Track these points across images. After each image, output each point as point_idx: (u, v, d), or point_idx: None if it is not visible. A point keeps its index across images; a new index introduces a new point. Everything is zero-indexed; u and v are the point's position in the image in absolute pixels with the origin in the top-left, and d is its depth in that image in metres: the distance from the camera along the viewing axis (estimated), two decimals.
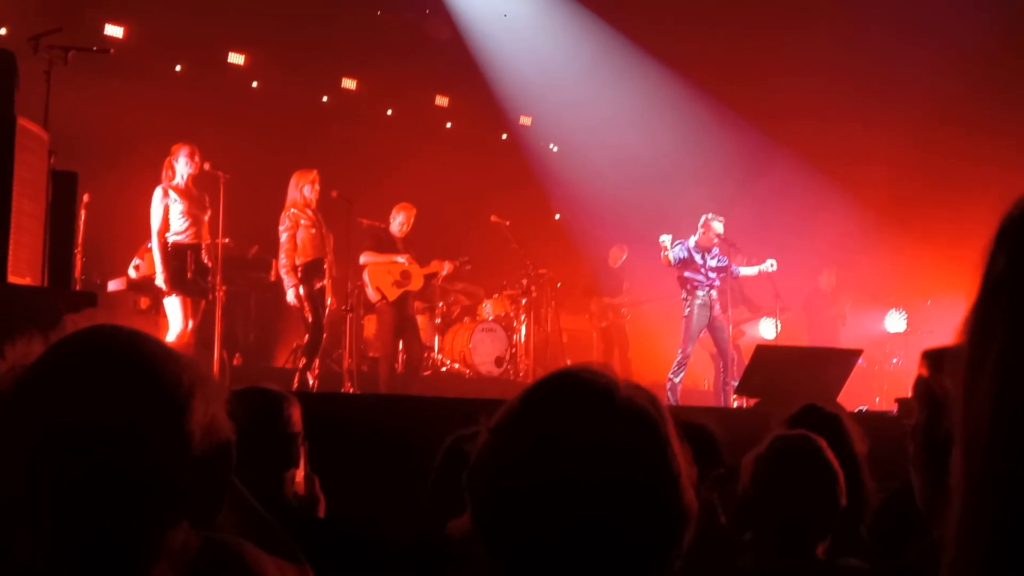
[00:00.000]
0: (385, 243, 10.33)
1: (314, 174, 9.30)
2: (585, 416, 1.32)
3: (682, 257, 10.25)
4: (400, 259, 10.19)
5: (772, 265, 10.54)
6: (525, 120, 15.03)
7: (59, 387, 1.30)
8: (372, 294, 10.22)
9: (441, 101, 14.57)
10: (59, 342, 1.35)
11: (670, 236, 10.23)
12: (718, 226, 10.35)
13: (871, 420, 7.09)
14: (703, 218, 10.43)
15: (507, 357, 11.78)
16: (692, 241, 10.37)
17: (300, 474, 3.21)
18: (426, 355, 11.38)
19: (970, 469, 0.77)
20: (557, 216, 15.29)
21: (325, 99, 13.82)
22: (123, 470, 1.29)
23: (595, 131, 14.39)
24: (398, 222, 10.39)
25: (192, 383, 1.35)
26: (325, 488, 3.35)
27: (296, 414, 3.25)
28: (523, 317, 12.12)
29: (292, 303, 9.23)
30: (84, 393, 1.30)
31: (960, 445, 0.78)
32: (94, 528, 1.29)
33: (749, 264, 10.94)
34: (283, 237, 9.17)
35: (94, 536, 1.29)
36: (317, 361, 9.41)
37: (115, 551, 1.30)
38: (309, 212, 9.23)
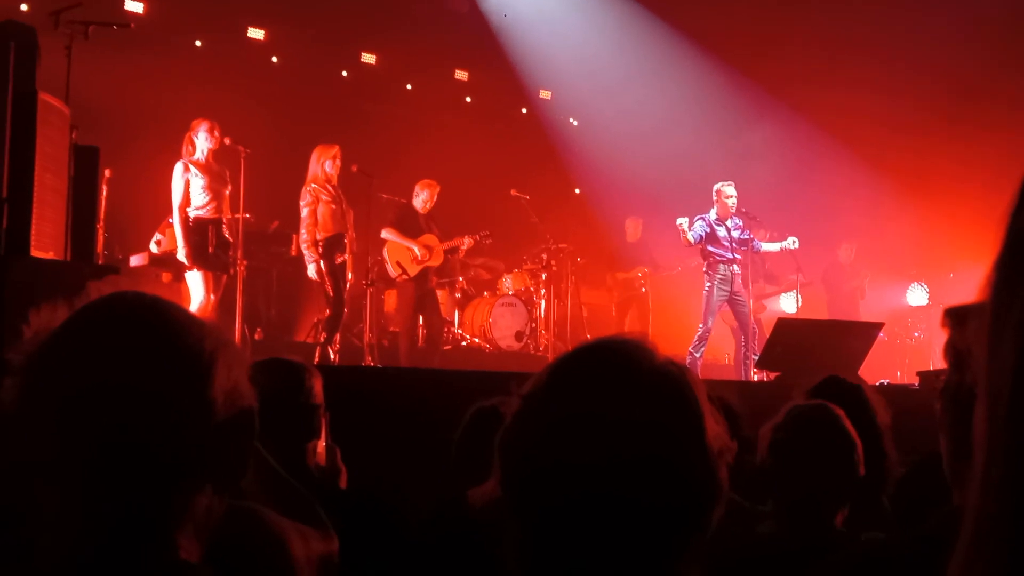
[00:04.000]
0: (408, 219, 10.34)
1: (336, 149, 9.30)
2: (617, 388, 1.31)
3: (703, 233, 10.23)
4: (418, 250, 10.18)
5: (794, 243, 10.53)
6: (545, 94, 14.97)
7: (82, 352, 1.31)
8: (392, 270, 10.24)
9: (461, 75, 14.52)
10: (82, 308, 1.35)
11: (686, 219, 10.21)
12: (729, 190, 10.36)
13: (892, 393, 7.07)
14: (714, 188, 10.44)
15: (527, 332, 11.79)
16: (712, 214, 10.35)
17: (322, 445, 3.23)
18: (446, 330, 11.39)
19: (993, 426, 0.76)
20: (577, 190, 15.26)
21: (345, 74, 13.81)
22: (146, 434, 1.29)
23: (615, 105, 14.33)
24: (421, 199, 10.41)
25: (214, 349, 1.35)
26: (347, 459, 3.37)
27: (318, 385, 3.26)
28: (543, 292, 12.11)
29: (313, 278, 9.26)
30: (106, 358, 1.31)
31: (983, 402, 0.77)
32: (118, 492, 1.30)
33: (772, 240, 10.93)
34: (304, 212, 9.18)
35: (118, 500, 1.30)
36: (338, 335, 9.44)
37: (139, 515, 1.31)
38: (330, 187, 9.23)
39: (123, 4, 11.58)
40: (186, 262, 8.47)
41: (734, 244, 10.34)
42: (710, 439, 1.32)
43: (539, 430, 1.32)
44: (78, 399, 1.28)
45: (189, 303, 8.38)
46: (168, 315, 1.36)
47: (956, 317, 1.58)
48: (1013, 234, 0.77)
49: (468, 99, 14.80)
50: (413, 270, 10.21)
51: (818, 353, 8.04)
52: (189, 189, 8.52)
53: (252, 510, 1.72)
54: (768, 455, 2.74)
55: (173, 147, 8.77)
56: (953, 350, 1.68)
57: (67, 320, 1.34)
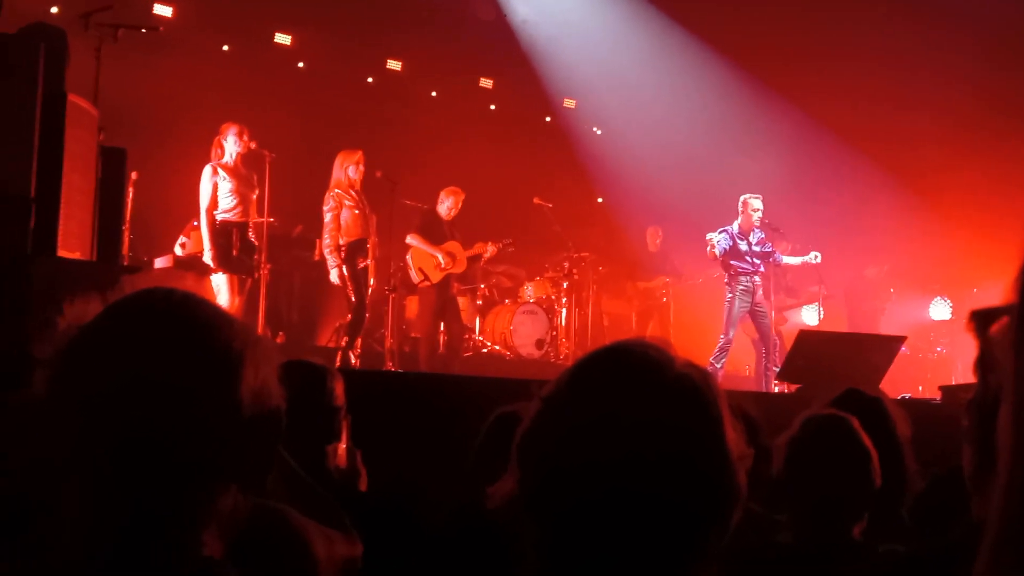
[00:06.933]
0: (433, 226, 10.36)
1: (359, 154, 9.34)
2: (637, 390, 1.32)
3: (726, 247, 10.23)
4: (441, 258, 10.20)
5: (816, 257, 10.51)
6: (569, 103, 14.98)
7: (112, 346, 1.33)
8: (415, 276, 10.26)
9: (485, 83, 14.53)
10: (114, 303, 1.37)
11: (715, 233, 10.24)
12: (756, 203, 10.34)
13: (914, 407, 7.04)
14: (741, 199, 10.42)
15: (548, 340, 11.78)
16: (735, 226, 10.34)
17: (342, 447, 3.24)
18: (467, 336, 11.40)
19: (1019, 430, 0.76)
20: (600, 199, 15.25)
21: (370, 80, 13.84)
22: (172, 430, 1.30)
23: (639, 114, 14.32)
24: (446, 206, 10.43)
25: (243, 347, 1.36)
26: (367, 462, 3.38)
27: (339, 388, 3.27)
28: (564, 300, 12.11)
29: (335, 283, 9.29)
30: (136, 353, 1.32)
31: (1009, 406, 0.77)
32: (143, 486, 1.31)
33: (794, 254, 10.91)
34: (327, 217, 9.22)
35: (144, 494, 1.31)
36: (359, 340, 9.47)
37: (164, 510, 1.32)
38: (353, 192, 9.27)
39: (152, 8, 11.64)
40: (212, 264, 8.53)
41: (755, 257, 10.33)
42: (730, 442, 1.32)
43: (560, 431, 1.33)
44: (107, 392, 1.30)
45: None
46: (199, 312, 1.38)
47: (982, 319, 1.58)
48: None
49: (492, 107, 14.81)
50: (436, 276, 10.23)
51: (839, 366, 8.01)
52: (217, 192, 8.58)
53: (277, 509, 1.73)
54: (784, 466, 2.73)
55: (198, 150, 8.82)
56: (983, 355, 1.67)
57: (99, 315, 1.36)
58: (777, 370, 9.38)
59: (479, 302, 12.07)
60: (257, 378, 1.36)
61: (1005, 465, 0.77)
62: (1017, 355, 0.77)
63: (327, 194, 9.27)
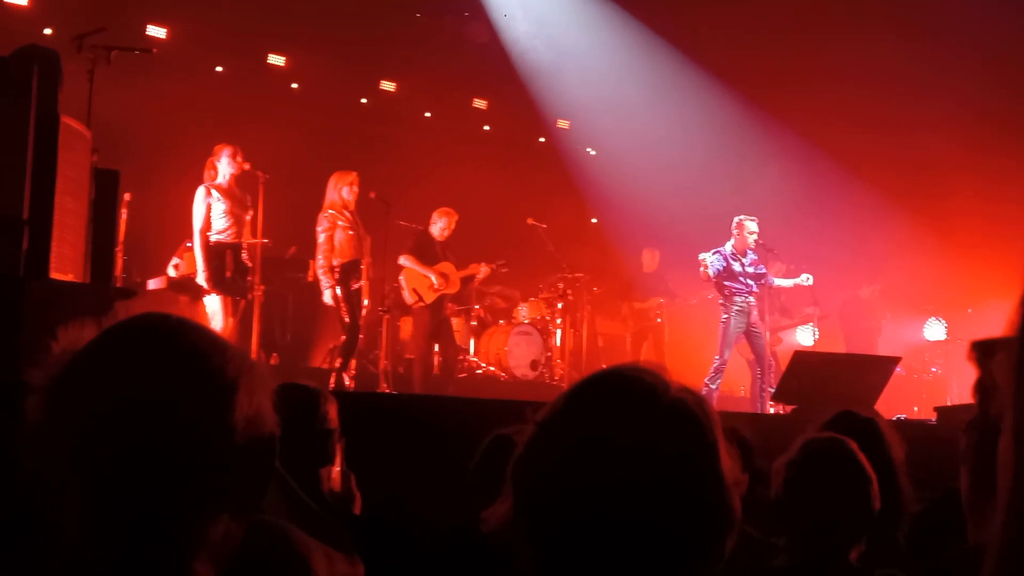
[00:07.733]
0: (426, 246, 10.37)
1: (353, 176, 9.35)
2: (631, 416, 1.32)
3: (720, 268, 10.25)
4: (435, 279, 10.21)
5: (808, 279, 10.52)
6: (563, 124, 15.02)
7: (104, 373, 1.32)
8: (408, 297, 10.26)
9: (479, 104, 14.58)
10: (109, 328, 1.36)
11: (708, 254, 10.26)
12: (751, 225, 10.35)
13: (910, 428, 7.05)
14: (736, 219, 10.43)
15: (542, 361, 11.77)
16: (728, 247, 10.35)
17: (336, 471, 3.23)
18: (462, 358, 11.39)
19: (1019, 456, 0.76)
20: (594, 220, 15.26)
21: (364, 101, 13.87)
22: (163, 457, 1.29)
23: (633, 135, 14.34)
24: (439, 227, 10.44)
25: (237, 373, 1.35)
26: (361, 485, 3.37)
27: (332, 411, 3.27)
28: (559, 321, 12.11)
29: (329, 304, 9.28)
30: (127, 380, 1.31)
31: (1009, 433, 0.77)
32: (134, 513, 1.30)
33: (787, 274, 10.93)
34: (321, 238, 9.23)
35: (134, 521, 1.30)
36: (353, 362, 9.46)
37: (154, 537, 1.30)
38: (347, 213, 9.28)
39: (146, 29, 11.67)
40: (205, 286, 8.51)
41: (749, 278, 10.34)
42: (724, 467, 1.32)
43: (554, 456, 1.32)
44: (99, 419, 1.29)
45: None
46: (193, 338, 1.37)
47: (983, 350, 1.58)
48: None
49: (486, 128, 14.85)
50: (429, 297, 10.23)
51: (834, 387, 8.01)
52: (210, 213, 8.58)
53: (277, 525, 1.71)
54: (782, 489, 2.72)
55: (192, 172, 8.82)
56: (983, 384, 1.67)
57: (93, 340, 1.35)
58: (772, 391, 9.38)
59: (473, 323, 12.06)
60: (251, 405, 1.35)
61: (1005, 491, 0.77)
62: (1017, 386, 0.77)
63: (321, 215, 9.27)
